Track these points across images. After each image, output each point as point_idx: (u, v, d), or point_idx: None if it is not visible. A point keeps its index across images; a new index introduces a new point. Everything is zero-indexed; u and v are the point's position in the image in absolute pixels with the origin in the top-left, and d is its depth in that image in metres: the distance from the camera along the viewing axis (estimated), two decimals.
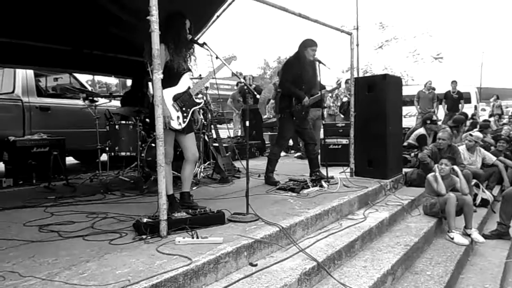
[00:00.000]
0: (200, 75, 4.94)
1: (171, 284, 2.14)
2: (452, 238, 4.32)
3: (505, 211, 4.85)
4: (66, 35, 5.80)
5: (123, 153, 5.08)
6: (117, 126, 5.08)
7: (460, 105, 12.14)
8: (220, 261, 2.49)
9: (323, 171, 5.22)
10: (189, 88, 3.48)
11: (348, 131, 5.76)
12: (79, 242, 2.75)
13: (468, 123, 10.51)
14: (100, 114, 5.39)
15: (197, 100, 3.55)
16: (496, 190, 6.79)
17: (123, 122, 5.17)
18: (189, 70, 3.50)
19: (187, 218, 3.00)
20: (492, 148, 7.75)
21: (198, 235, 2.76)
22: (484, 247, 4.54)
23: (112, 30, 5.87)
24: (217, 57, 3.30)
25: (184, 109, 3.41)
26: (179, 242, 2.65)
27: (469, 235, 4.50)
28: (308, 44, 4.92)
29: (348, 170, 5.69)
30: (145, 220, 2.88)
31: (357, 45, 23.47)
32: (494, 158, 6.86)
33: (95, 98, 5.50)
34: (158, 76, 2.69)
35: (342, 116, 9.00)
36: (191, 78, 3.90)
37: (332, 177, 5.14)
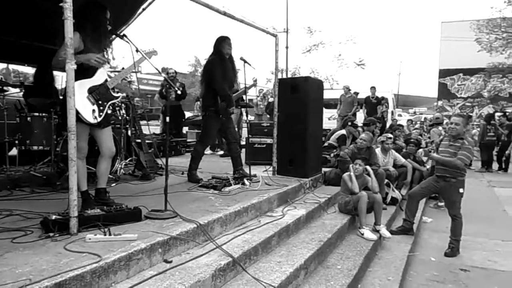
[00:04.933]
0: (123, 68, 4.78)
1: (77, 282, 2.06)
2: (363, 234, 4.61)
3: (410, 209, 5.27)
4: None
5: (35, 147, 4.76)
6: (28, 118, 4.76)
7: (378, 110, 12.94)
8: (133, 258, 2.45)
9: (246, 169, 5.31)
10: (106, 80, 3.35)
11: (272, 131, 5.90)
12: None
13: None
14: (9, 105, 5.00)
15: (115, 94, 3.43)
16: (405, 189, 7.35)
17: (36, 114, 4.85)
18: (107, 62, 3.37)
19: (100, 215, 2.90)
20: (403, 150, 8.37)
21: (111, 232, 2.68)
22: (390, 242, 4.90)
23: (28, 15, 5.48)
24: (137, 50, 3.22)
25: (100, 102, 3.27)
26: (89, 239, 2.56)
27: (378, 231, 4.82)
28: (222, 39, 4.99)
29: (271, 169, 5.84)
30: (53, 217, 2.73)
31: (287, 47, 24.13)
32: (403, 160, 7.43)
33: (4, 88, 5.09)
34: (71, 66, 2.57)
35: (268, 116, 9.21)
36: (112, 71, 3.77)
37: (254, 176, 5.25)
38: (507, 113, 17.36)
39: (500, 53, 22.06)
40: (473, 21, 24.03)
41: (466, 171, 4.91)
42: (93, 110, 3.21)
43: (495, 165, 12.13)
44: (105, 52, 3.35)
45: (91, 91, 3.22)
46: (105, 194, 3.54)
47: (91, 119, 3.20)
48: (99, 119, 3.26)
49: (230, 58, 5.04)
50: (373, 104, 13.02)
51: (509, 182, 10.19)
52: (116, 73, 3.53)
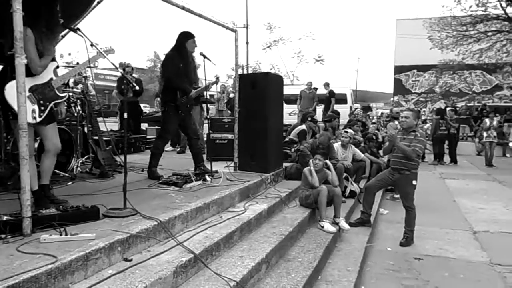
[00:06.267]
0: (77, 63, 4.64)
1: (31, 284, 1.99)
2: (323, 227, 4.71)
3: (367, 201, 5.44)
4: None
5: None
6: None
7: (331, 104, 13.23)
8: (91, 257, 2.39)
9: (208, 165, 5.29)
10: (51, 79, 3.22)
11: (233, 127, 5.91)
12: None
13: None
14: None
15: (60, 94, 3.29)
16: (363, 183, 7.56)
17: None
18: (54, 60, 3.24)
19: (55, 215, 2.82)
20: (361, 145, 8.61)
21: (68, 232, 2.60)
22: (349, 234, 5.03)
23: None
24: (92, 45, 3.12)
25: (42, 102, 3.14)
26: (44, 240, 2.47)
27: (337, 224, 4.95)
28: (189, 36, 4.95)
29: (233, 164, 5.85)
30: (5, 218, 2.62)
31: (247, 43, 24.18)
32: (362, 155, 7.64)
33: None
34: (21, 61, 2.47)
35: (230, 112, 9.20)
36: (66, 67, 3.65)
37: (216, 171, 5.23)
38: (457, 108, 18.23)
39: (450, 51, 23.06)
40: (426, 19, 24.98)
41: (419, 163, 5.12)
42: (33, 110, 3.07)
43: (446, 158, 12.71)
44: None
45: (33, 90, 3.09)
46: (49, 190, 3.43)
47: (29, 119, 3.06)
48: (38, 120, 3.13)
49: (191, 55, 5.01)
50: (327, 99, 13.33)
51: (458, 174, 10.72)
52: (66, 71, 3.39)
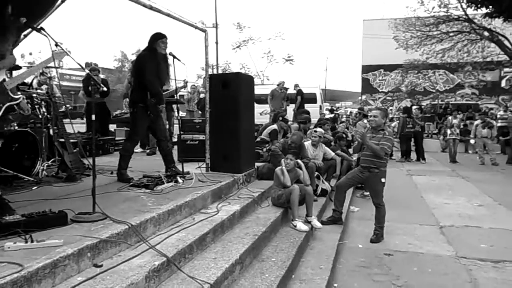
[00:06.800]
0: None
1: None
2: (295, 226, 4.74)
3: (338, 199, 5.52)
4: None
5: None
6: None
7: (297, 101, 13.41)
8: (59, 264, 2.31)
9: (179, 166, 5.23)
10: (4, 80, 3.09)
11: (204, 127, 5.86)
12: None
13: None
14: None
15: (14, 96, 3.16)
16: (334, 181, 7.67)
17: None
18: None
19: (20, 221, 2.71)
20: (332, 144, 8.73)
21: (33, 239, 2.51)
22: (321, 232, 5.08)
23: None
24: (56, 44, 3.01)
25: None
26: (8, 248, 2.38)
27: (309, 222, 4.99)
28: (158, 37, 4.86)
29: (204, 165, 5.80)
30: None
31: (217, 43, 24.10)
32: (333, 153, 7.75)
33: None
34: None
35: (200, 112, 9.13)
36: (29, 67, 3.51)
37: (187, 173, 5.18)
38: (422, 106, 18.77)
39: (415, 51, 23.71)
40: (391, 19, 25.59)
41: (388, 161, 5.23)
42: None
43: (413, 155, 13.06)
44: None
45: None
46: None
47: None
48: None
49: (164, 58, 4.92)
50: (294, 98, 13.54)
51: (425, 170, 11.05)
52: (19, 73, 3.25)
